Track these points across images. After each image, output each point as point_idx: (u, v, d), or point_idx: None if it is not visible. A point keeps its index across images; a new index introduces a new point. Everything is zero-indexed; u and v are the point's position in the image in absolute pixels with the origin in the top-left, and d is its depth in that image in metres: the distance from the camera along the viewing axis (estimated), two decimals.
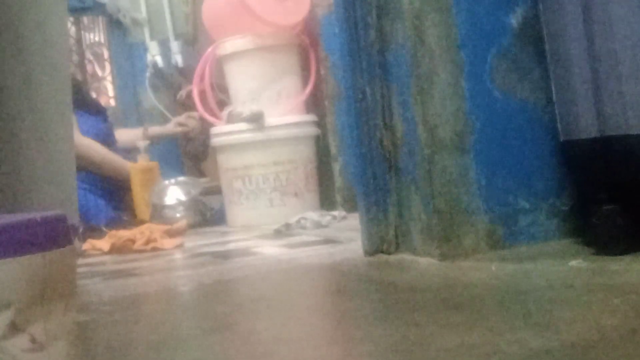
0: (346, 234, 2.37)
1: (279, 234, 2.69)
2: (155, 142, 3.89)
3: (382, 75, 1.81)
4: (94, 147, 3.56)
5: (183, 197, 3.46)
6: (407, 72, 1.72)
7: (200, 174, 3.98)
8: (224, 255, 2.30)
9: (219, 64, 3.49)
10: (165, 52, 4.47)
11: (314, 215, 2.85)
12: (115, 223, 3.30)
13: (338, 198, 3.20)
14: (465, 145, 1.70)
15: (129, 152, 3.75)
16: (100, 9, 4.76)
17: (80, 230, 2.61)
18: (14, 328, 0.69)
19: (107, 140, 3.65)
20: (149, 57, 4.49)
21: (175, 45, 4.46)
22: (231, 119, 3.30)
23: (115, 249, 2.75)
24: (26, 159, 1.29)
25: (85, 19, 4.93)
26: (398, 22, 1.74)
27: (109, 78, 4.88)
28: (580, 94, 1.54)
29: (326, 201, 3.27)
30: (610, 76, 1.48)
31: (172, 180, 3.55)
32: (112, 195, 3.57)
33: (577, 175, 1.69)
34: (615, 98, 1.47)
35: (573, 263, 1.46)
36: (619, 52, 1.46)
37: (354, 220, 2.15)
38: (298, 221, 2.79)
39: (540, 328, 1.05)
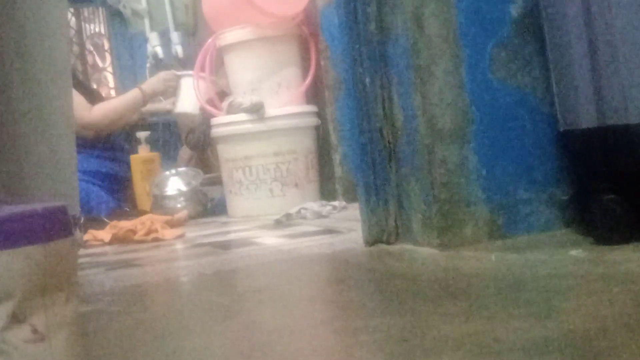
0: (346, 224, 2.37)
1: (279, 224, 2.70)
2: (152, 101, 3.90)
3: (382, 65, 1.81)
4: (105, 112, 3.64)
5: (184, 188, 3.47)
6: (407, 62, 1.72)
7: (203, 166, 3.98)
8: (225, 246, 2.31)
9: (219, 54, 3.49)
10: (166, 43, 4.47)
11: (314, 205, 2.86)
12: (116, 214, 3.31)
13: (338, 188, 3.20)
14: (465, 135, 1.71)
15: (127, 142, 3.75)
16: (100, 0, 4.76)
17: (81, 221, 2.62)
18: (15, 319, 0.70)
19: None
20: (149, 48, 4.49)
21: (175, 36, 4.47)
22: (231, 110, 3.30)
23: (116, 240, 2.76)
24: (27, 150, 1.29)
25: (85, 10, 4.93)
26: (398, 13, 1.74)
27: (110, 69, 4.89)
28: (580, 84, 1.54)
29: (326, 191, 3.27)
30: (609, 66, 1.48)
31: (173, 171, 3.56)
32: (113, 186, 3.58)
33: (577, 164, 1.69)
34: (615, 88, 1.47)
35: (572, 252, 1.46)
36: (619, 42, 1.46)
37: (354, 211, 2.15)
38: (298, 211, 2.79)
39: (540, 317, 1.06)
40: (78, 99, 3.60)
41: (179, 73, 3.86)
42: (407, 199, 1.78)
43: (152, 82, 3.82)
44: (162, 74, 3.85)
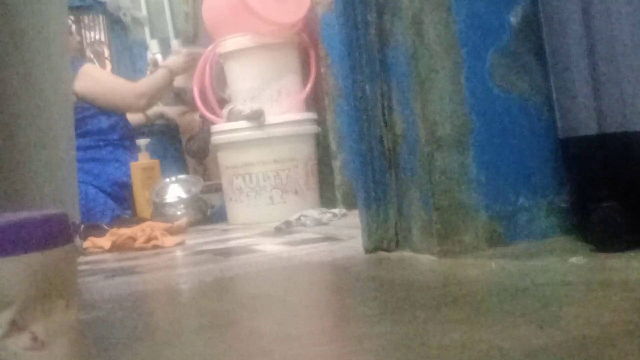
0: (346, 232, 2.37)
1: (279, 231, 2.70)
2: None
3: (381, 73, 1.82)
4: (147, 83, 3.80)
5: (184, 195, 3.47)
6: (406, 70, 1.73)
7: (203, 174, 4.00)
8: (225, 253, 2.31)
9: (219, 62, 3.50)
10: (166, 50, 4.47)
11: (314, 212, 2.86)
12: (119, 221, 3.32)
13: (338, 195, 3.20)
14: (465, 143, 1.71)
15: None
16: (100, 8, 4.77)
17: (81, 228, 2.62)
18: (15, 326, 0.70)
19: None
20: (149, 55, 4.49)
21: (175, 44, 4.47)
22: (231, 117, 3.30)
23: (116, 247, 2.76)
24: (27, 157, 1.30)
25: (85, 18, 4.95)
26: (398, 20, 1.75)
27: None
28: (580, 92, 1.54)
29: (326, 199, 3.27)
30: (609, 73, 1.48)
31: (173, 178, 3.56)
32: (119, 193, 3.60)
33: (577, 172, 1.69)
34: (614, 95, 1.47)
35: (572, 260, 1.46)
36: (618, 50, 1.46)
37: (354, 218, 2.15)
38: (298, 219, 2.79)
39: (540, 325, 1.06)
40: (118, 78, 3.78)
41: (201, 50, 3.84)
42: (407, 206, 1.78)
43: (177, 60, 3.82)
44: (185, 51, 3.86)
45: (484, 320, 1.13)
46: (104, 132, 3.66)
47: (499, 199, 1.72)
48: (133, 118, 3.91)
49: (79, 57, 3.96)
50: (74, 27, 4.71)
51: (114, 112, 3.71)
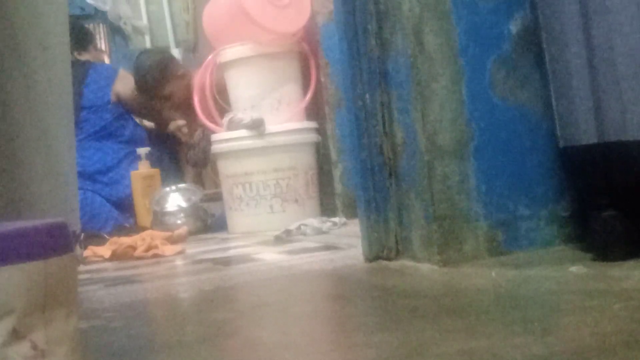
0: (346, 240, 2.37)
1: (279, 240, 2.70)
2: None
3: (382, 82, 1.82)
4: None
5: (184, 204, 3.47)
6: (406, 79, 1.73)
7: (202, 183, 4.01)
8: (225, 262, 2.30)
9: (219, 71, 3.50)
10: None
11: (314, 221, 2.85)
12: (120, 230, 3.32)
13: (338, 204, 3.20)
14: (465, 152, 1.71)
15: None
16: (101, 17, 4.78)
17: (81, 237, 2.62)
18: (16, 335, 0.70)
19: None
20: None
21: (176, 53, 4.48)
22: (232, 126, 3.31)
23: (116, 256, 2.76)
24: (27, 166, 1.30)
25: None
26: (398, 30, 1.75)
27: None
28: (580, 100, 1.54)
29: (326, 207, 3.27)
30: (609, 82, 1.48)
31: (173, 187, 3.56)
32: (124, 202, 3.61)
33: (577, 181, 1.70)
34: (615, 104, 1.47)
35: (573, 269, 1.46)
36: (618, 58, 1.46)
37: (354, 227, 2.15)
38: (298, 227, 2.79)
39: (541, 334, 1.06)
40: None
41: None
42: (407, 215, 1.78)
43: None
44: None
45: (484, 329, 1.13)
46: (126, 140, 3.71)
47: (499, 208, 1.72)
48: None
49: (107, 64, 4.12)
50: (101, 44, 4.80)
51: (139, 124, 3.79)
